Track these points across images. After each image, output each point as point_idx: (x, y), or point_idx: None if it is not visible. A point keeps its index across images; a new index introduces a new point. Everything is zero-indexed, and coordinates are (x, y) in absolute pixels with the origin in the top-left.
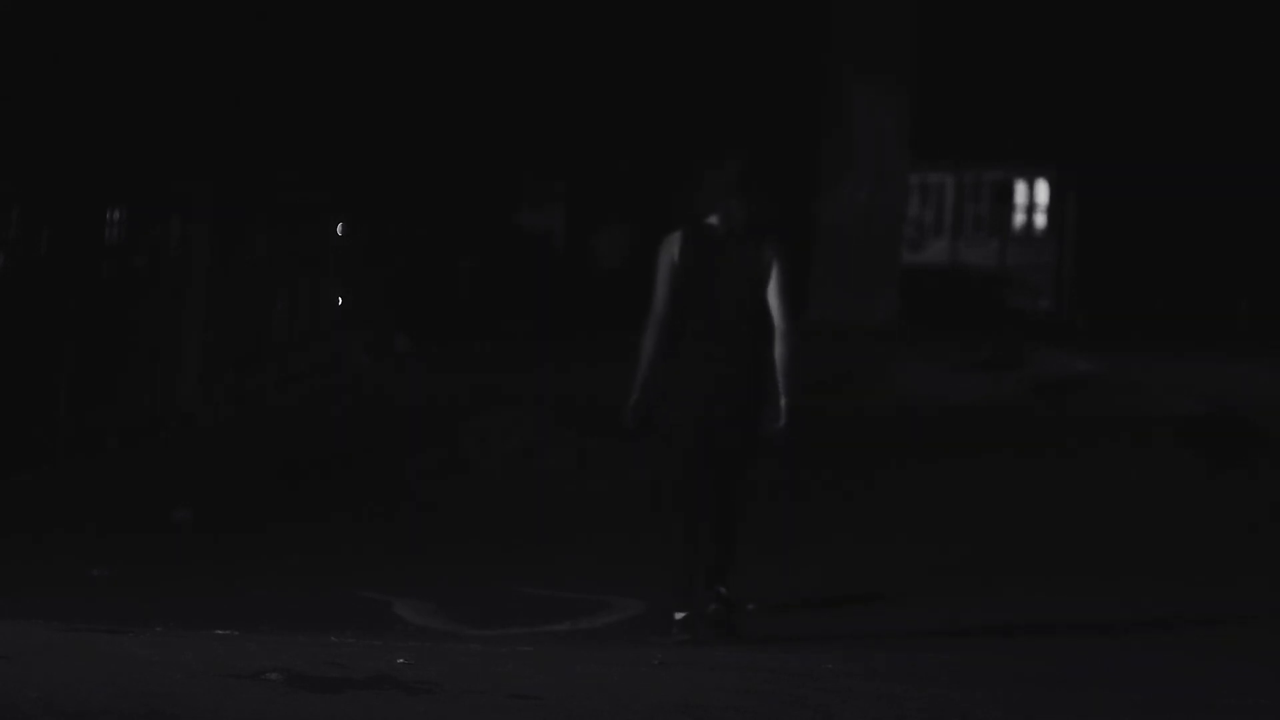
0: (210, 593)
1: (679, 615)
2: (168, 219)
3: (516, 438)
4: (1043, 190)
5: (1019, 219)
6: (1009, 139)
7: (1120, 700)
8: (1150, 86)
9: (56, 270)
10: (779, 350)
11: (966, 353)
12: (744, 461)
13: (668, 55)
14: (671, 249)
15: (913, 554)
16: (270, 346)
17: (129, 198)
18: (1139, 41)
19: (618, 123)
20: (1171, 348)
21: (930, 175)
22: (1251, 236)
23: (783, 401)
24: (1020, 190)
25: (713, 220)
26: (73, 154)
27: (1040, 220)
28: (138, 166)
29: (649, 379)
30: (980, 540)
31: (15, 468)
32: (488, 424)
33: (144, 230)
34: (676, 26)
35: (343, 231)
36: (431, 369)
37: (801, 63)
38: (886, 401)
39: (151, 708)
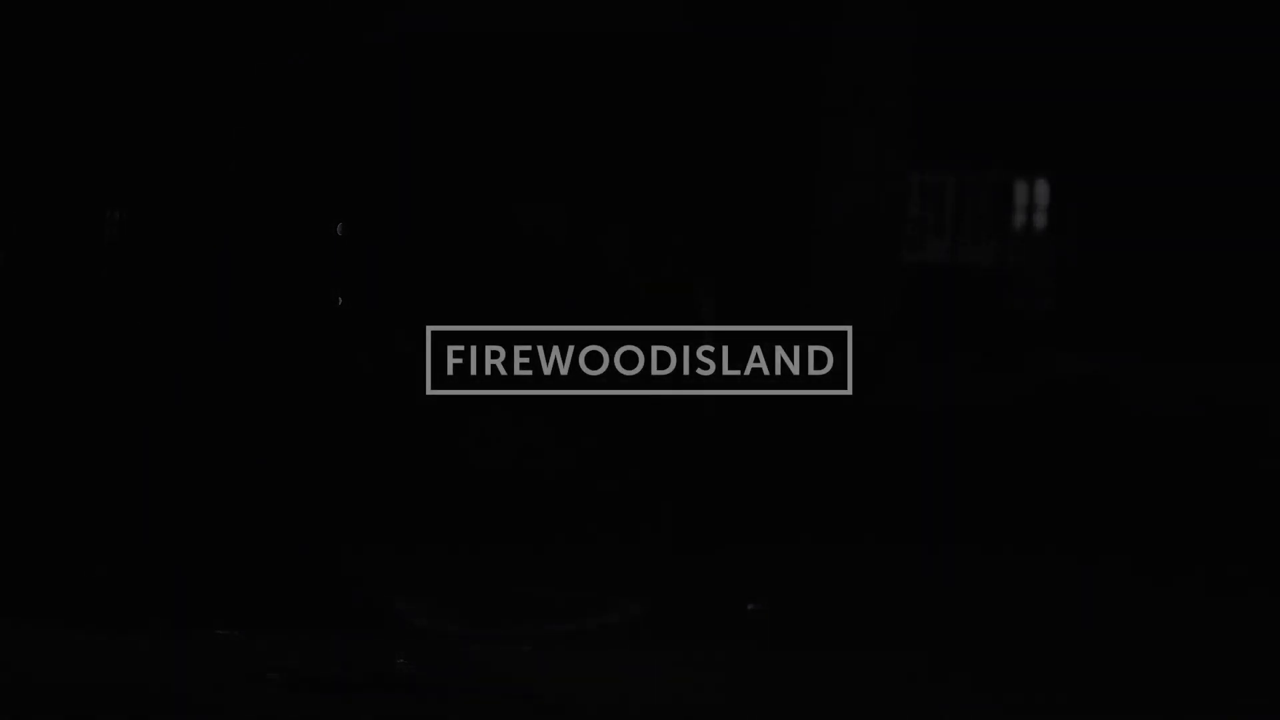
0: (210, 592)
1: None
2: (168, 218)
3: (517, 436)
4: (1043, 190)
5: (1019, 219)
6: (1009, 139)
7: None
8: (1152, 85)
9: (55, 270)
10: None
11: (966, 354)
12: None
13: (666, 52)
14: None
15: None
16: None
17: (129, 198)
18: (1140, 40)
19: (615, 118)
20: (1173, 348)
21: (930, 175)
22: (1252, 235)
23: None
24: (1020, 190)
25: None
26: (73, 154)
27: (1040, 220)
28: (139, 167)
29: None
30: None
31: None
32: (488, 423)
33: (143, 230)
34: (675, 25)
35: (342, 231)
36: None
37: (801, 62)
38: (883, 403)
39: (151, 708)
